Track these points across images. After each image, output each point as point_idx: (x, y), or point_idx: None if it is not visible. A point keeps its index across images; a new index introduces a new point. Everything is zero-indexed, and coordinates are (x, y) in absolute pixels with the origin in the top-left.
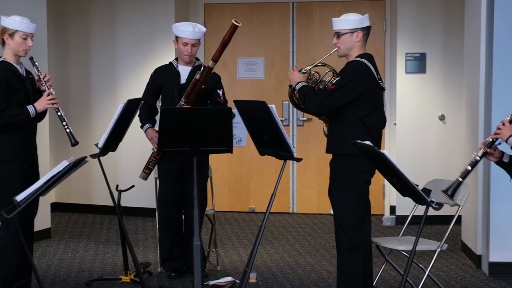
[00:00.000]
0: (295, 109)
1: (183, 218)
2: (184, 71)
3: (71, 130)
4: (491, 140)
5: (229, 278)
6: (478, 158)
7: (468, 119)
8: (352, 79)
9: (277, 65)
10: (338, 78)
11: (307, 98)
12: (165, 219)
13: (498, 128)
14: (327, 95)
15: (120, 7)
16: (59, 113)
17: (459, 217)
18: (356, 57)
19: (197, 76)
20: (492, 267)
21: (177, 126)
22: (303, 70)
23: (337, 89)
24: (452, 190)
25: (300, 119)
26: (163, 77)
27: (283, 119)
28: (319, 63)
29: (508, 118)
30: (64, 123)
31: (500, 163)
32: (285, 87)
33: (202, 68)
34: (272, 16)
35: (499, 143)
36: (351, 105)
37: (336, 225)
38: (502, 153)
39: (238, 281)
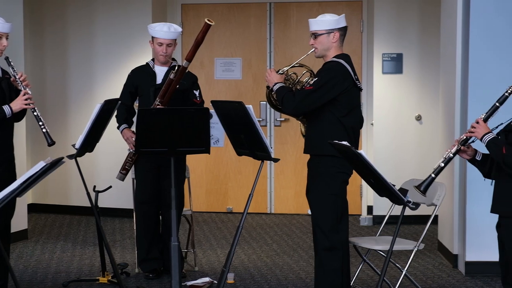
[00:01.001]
0: (272, 109)
1: (160, 218)
2: (160, 71)
3: (48, 130)
4: (465, 137)
5: (207, 279)
6: (452, 155)
7: (444, 119)
8: (329, 79)
9: (255, 65)
10: (316, 78)
11: (284, 99)
12: (142, 220)
13: (473, 127)
14: (305, 96)
15: (97, 7)
16: (35, 113)
17: (436, 217)
18: (333, 57)
19: (172, 76)
20: (468, 267)
21: (154, 126)
22: (280, 71)
23: (314, 90)
24: (425, 186)
25: (278, 119)
26: (140, 77)
27: (260, 119)
28: (296, 63)
29: (483, 116)
30: (40, 123)
31: (473, 161)
32: (262, 87)
33: (176, 68)
34: (249, 16)
35: (473, 141)
36: (329, 105)
37: (313, 225)
38: (476, 151)
39: (216, 282)
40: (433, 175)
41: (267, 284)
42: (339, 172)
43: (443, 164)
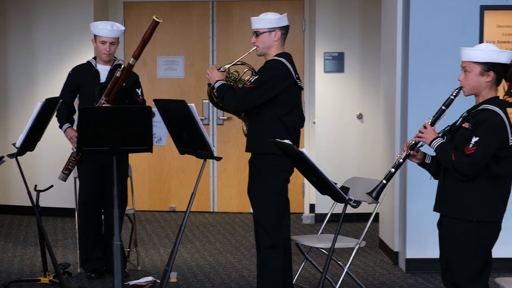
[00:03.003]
0: (215, 108)
1: (103, 218)
2: (103, 70)
3: None
4: (413, 142)
5: (150, 278)
6: (402, 161)
7: (385, 118)
8: (270, 77)
9: (197, 64)
10: (257, 76)
11: (225, 96)
12: (85, 220)
13: (421, 132)
14: (246, 93)
15: (37, 5)
16: None
17: (377, 214)
18: (275, 56)
19: (118, 74)
20: (408, 264)
21: (96, 125)
22: (222, 68)
23: (255, 88)
24: (376, 192)
25: (220, 118)
26: (82, 76)
27: (203, 118)
28: (238, 61)
29: (430, 121)
30: None
31: (422, 164)
32: (205, 86)
33: (122, 66)
34: (192, 15)
35: (422, 145)
36: (270, 104)
37: (255, 224)
38: (425, 154)
39: (158, 281)
40: (384, 181)
41: (210, 283)
42: (280, 171)
43: (393, 170)
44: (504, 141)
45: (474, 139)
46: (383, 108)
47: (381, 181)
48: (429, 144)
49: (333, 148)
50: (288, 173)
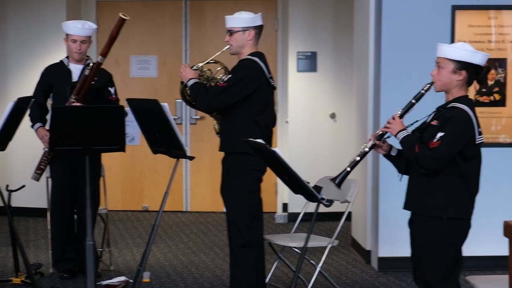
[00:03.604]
0: (188, 107)
1: (75, 218)
2: (75, 69)
3: None
4: (380, 132)
5: (123, 278)
6: (367, 150)
7: (358, 117)
8: (243, 76)
9: (170, 63)
10: (230, 75)
11: (198, 95)
12: (57, 219)
13: (389, 122)
14: (218, 92)
15: (9, 4)
16: None
17: (349, 213)
18: (248, 55)
19: (87, 72)
20: (381, 262)
21: (69, 124)
22: (195, 66)
23: (228, 87)
24: (339, 179)
25: (193, 117)
26: (54, 75)
27: (176, 117)
28: (211, 60)
29: (399, 113)
30: None
31: (388, 156)
32: (178, 85)
33: (91, 64)
34: (164, 14)
35: (388, 137)
36: (243, 103)
37: (228, 223)
38: (391, 146)
39: (131, 281)
40: (348, 169)
41: (183, 282)
42: (253, 170)
43: (358, 158)
44: (471, 139)
45: (439, 134)
46: (355, 107)
47: (345, 169)
48: (395, 135)
49: (306, 147)
50: (261, 173)
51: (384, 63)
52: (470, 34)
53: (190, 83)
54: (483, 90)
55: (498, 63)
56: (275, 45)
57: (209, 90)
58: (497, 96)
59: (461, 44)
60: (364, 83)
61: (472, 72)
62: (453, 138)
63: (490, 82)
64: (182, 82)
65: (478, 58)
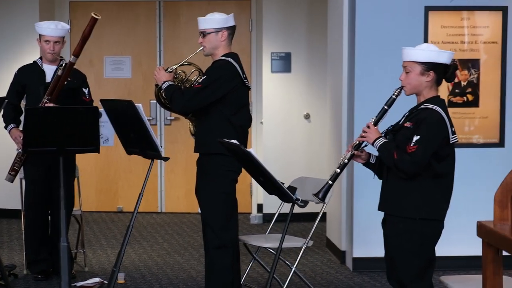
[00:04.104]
0: (162, 108)
1: (49, 219)
2: (49, 70)
3: None
4: (357, 142)
5: (97, 279)
6: (346, 161)
7: (332, 117)
8: (218, 78)
9: (144, 64)
10: (204, 77)
11: (173, 97)
12: (31, 221)
13: (364, 131)
14: (194, 94)
15: None
16: None
17: (324, 214)
18: (222, 56)
19: (59, 72)
20: (355, 263)
21: (43, 125)
22: (169, 69)
23: (203, 88)
24: (323, 193)
25: (168, 118)
26: (28, 76)
27: (150, 118)
28: (185, 62)
29: (373, 121)
30: None
31: (367, 164)
32: (152, 86)
33: (64, 64)
34: (138, 15)
35: (366, 145)
36: (218, 104)
37: (203, 224)
38: (369, 154)
39: (106, 282)
40: (330, 182)
41: (158, 284)
42: (228, 171)
43: (339, 170)
44: (445, 139)
45: (415, 138)
46: (329, 108)
47: (327, 182)
48: (372, 144)
49: (281, 148)
50: (236, 173)
51: (357, 64)
52: (443, 34)
53: (164, 85)
54: (457, 91)
55: (471, 63)
56: (249, 46)
57: (185, 92)
58: (470, 97)
59: (425, 46)
60: (338, 84)
61: (440, 71)
62: (428, 140)
63: (463, 83)
64: (157, 85)
65: (444, 57)
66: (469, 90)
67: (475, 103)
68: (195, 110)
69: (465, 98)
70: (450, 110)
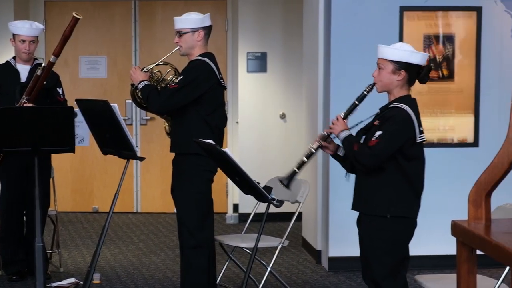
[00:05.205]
0: (138, 108)
1: (24, 219)
2: (23, 69)
3: None
4: (325, 134)
5: (72, 280)
6: (314, 151)
7: (308, 117)
8: (194, 78)
9: (120, 63)
10: (181, 77)
11: (150, 97)
12: (7, 221)
13: (332, 123)
14: (170, 94)
15: None
16: None
17: (300, 214)
18: (198, 56)
19: (39, 72)
20: (331, 262)
21: (17, 125)
22: (145, 69)
23: (179, 88)
24: (287, 180)
25: (144, 118)
26: (1, 76)
27: (126, 118)
28: (161, 62)
29: (343, 114)
30: None
31: (335, 155)
32: (128, 86)
33: (43, 65)
34: (114, 14)
35: (335, 137)
36: (194, 104)
37: (179, 224)
38: (338, 146)
39: (81, 282)
40: (295, 169)
41: (134, 284)
42: (204, 171)
43: (305, 159)
44: (411, 138)
45: (378, 133)
46: (305, 107)
47: (293, 169)
48: (337, 136)
49: (256, 147)
50: (212, 173)
51: (333, 64)
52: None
53: (141, 85)
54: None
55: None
56: (225, 46)
57: (161, 93)
58: (445, 72)
59: (399, 45)
60: (314, 84)
61: (413, 72)
62: (391, 135)
63: (438, 58)
64: (132, 85)
65: (417, 58)
66: (444, 64)
67: (450, 77)
68: (171, 110)
69: (440, 73)
70: (425, 85)
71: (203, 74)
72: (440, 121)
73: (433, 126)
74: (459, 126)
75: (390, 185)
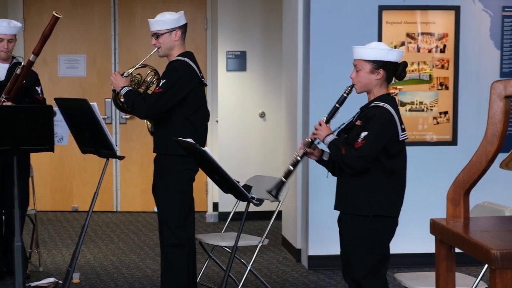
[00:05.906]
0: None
1: (3, 219)
2: (1, 68)
3: None
4: (310, 140)
5: (52, 279)
6: (299, 158)
7: (287, 116)
8: (178, 80)
9: (99, 62)
10: (164, 80)
11: (135, 103)
12: None
13: (316, 129)
14: (156, 99)
15: None
16: None
17: (280, 212)
18: (178, 56)
19: (18, 71)
20: (311, 260)
21: None
22: (125, 73)
23: (164, 92)
24: (276, 190)
25: (123, 117)
26: None
27: (105, 117)
28: (140, 65)
29: (325, 118)
30: None
31: (320, 161)
32: (107, 84)
33: (22, 63)
34: (93, 12)
35: (318, 143)
36: (177, 105)
37: (160, 222)
38: (322, 151)
39: (61, 282)
40: (283, 179)
41: (113, 283)
42: (186, 169)
43: (292, 168)
44: (393, 136)
45: (363, 134)
46: (285, 106)
47: (280, 179)
48: (323, 141)
49: (236, 146)
50: (194, 172)
51: (312, 62)
52: (396, 33)
53: (123, 91)
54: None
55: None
56: (204, 45)
57: (146, 98)
58: None
59: (375, 44)
60: (293, 82)
61: (390, 69)
62: (376, 136)
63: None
64: (114, 90)
65: (393, 55)
66: None
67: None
68: (158, 114)
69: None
70: None
71: (185, 76)
72: (419, 120)
73: (412, 124)
74: (438, 124)
75: (372, 184)
